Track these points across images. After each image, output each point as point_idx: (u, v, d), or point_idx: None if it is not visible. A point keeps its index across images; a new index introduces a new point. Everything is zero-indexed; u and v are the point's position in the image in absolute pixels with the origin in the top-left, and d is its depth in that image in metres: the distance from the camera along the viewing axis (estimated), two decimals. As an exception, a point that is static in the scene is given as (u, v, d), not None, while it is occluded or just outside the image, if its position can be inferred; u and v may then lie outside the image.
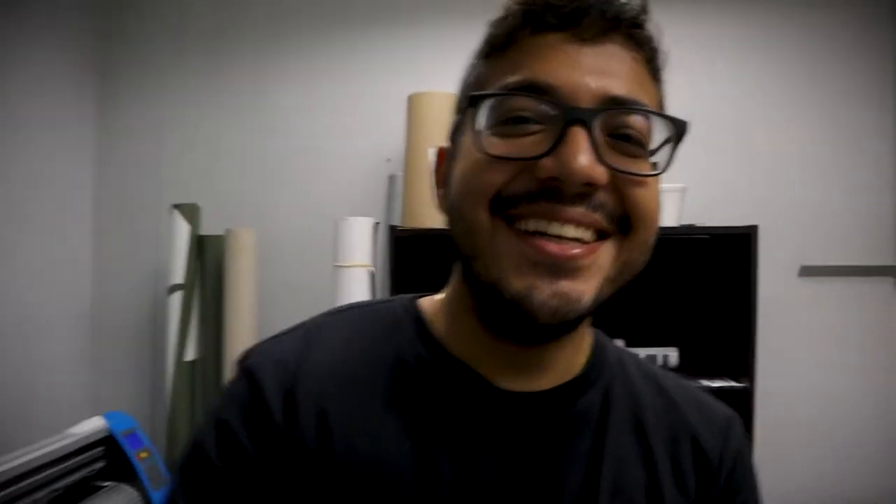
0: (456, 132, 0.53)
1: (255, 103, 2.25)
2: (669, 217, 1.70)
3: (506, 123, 0.47)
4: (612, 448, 0.53)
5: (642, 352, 1.82)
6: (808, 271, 2.02)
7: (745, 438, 0.60)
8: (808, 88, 2.03)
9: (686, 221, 1.78)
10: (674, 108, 0.51)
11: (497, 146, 0.46)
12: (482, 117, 0.47)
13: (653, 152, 0.49)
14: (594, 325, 0.60)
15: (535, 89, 0.46)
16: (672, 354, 1.84)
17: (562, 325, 0.48)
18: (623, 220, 0.47)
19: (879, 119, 2.03)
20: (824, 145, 2.02)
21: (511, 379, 0.52)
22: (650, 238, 0.50)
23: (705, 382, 1.71)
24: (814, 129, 2.03)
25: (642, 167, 0.48)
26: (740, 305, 1.73)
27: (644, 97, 0.48)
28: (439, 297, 0.58)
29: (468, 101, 0.49)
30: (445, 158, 0.55)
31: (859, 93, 2.02)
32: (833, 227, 2.02)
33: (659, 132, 0.48)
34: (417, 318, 0.56)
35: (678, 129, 0.48)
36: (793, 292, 2.01)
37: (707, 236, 1.83)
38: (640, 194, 0.47)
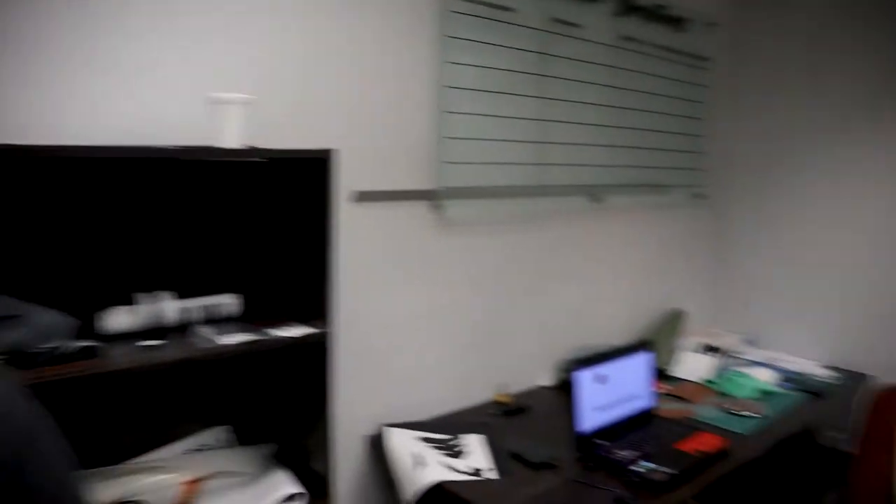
0: None
1: None
2: (231, 137, 1.36)
3: None
4: None
5: (195, 303, 1.49)
6: (361, 197, 1.94)
7: None
8: (363, 9, 1.89)
9: (248, 142, 1.46)
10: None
11: None
12: None
13: None
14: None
15: None
16: (231, 302, 1.55)
17: None
18: None
19: (422, 50, 2.02)
20: (374, 74, 1.93)
21: None
22: None
23: (276, 332, 1.46)
24: (367, 56, 1.91)
25: None
26: (312, 240, 1.52)
27: None
28: None
29: None
30: None
31: (407, 23, 1.98)
32: (380, 153, 1.98)
33: None
34: None
35: None
36: (351, 220, 1.91)
37: (266, 161, 1.56)
38: None
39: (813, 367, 2.84)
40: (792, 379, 2.68)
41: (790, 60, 3.02)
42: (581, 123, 2.53)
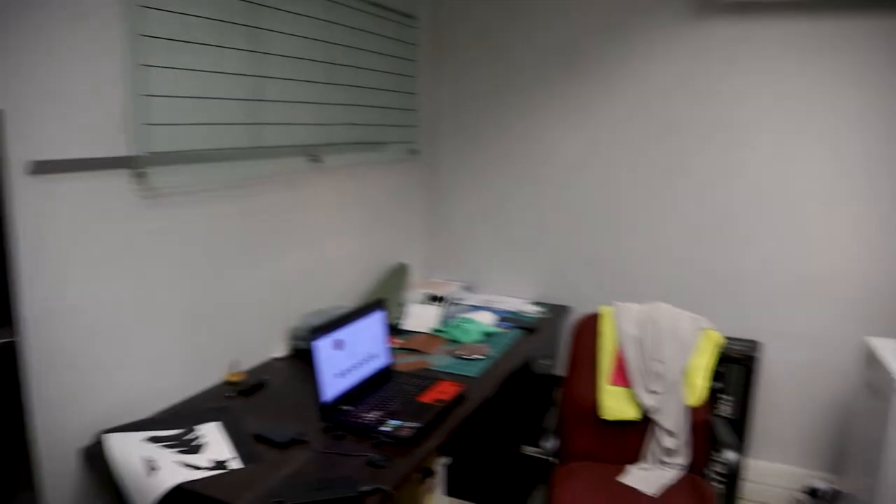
0: None
1: None
2: None
3: None
4: None
5: None
6: (41, 168, 1.61)
7: None
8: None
9: None
10: None
11: None
12: None
13: None
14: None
15: None
16: None
17: None
18: None
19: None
20: (48, 14, 1.58)
21: None
22: None
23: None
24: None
25: None
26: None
27: None
28: None
29: None
30: None
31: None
32: (64, 113, 1.64)
33: None
34: None
35: None
36: (30, 197, 1.57)
37: None
38: None
39: (524, 304, 3.14)
40: (508, 318, 2.94)
41: (488, 19, 3.21)
42: (296, 80, 2.41)
